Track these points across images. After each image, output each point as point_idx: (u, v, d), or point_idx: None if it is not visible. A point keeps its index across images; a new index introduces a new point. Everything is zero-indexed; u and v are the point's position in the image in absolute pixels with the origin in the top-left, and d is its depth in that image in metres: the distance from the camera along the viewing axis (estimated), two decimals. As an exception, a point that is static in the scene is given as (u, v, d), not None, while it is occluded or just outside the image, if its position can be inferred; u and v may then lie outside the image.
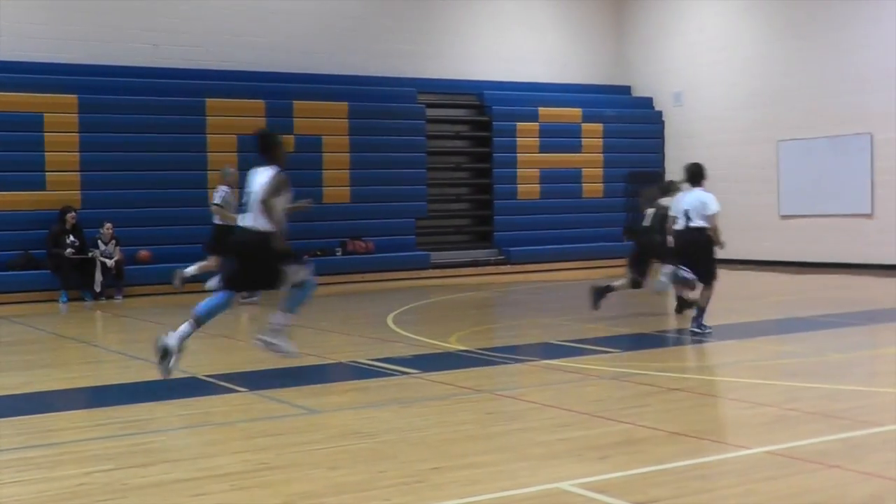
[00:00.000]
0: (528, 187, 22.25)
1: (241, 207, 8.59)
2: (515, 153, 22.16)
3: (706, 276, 11.27)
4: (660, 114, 23.95)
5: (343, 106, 20.22)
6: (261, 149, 8.73)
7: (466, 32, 22.79)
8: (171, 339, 8.07)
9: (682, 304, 12.79)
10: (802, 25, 20.84)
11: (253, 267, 8.39)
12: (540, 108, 22.45)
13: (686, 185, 11.63)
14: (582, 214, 22.65)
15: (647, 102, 24.16)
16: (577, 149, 22.74)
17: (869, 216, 19.60)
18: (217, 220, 15.42)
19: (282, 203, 8.37)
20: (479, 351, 10.18)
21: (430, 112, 21.61)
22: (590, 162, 22.93)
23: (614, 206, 23.05)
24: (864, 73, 19.69)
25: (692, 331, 11.08)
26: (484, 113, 22.32)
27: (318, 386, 8.46)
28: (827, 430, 6.51)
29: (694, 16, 23.18)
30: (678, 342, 11.13)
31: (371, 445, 6.31)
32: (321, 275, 16.89)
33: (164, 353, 8.07)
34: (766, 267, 20.53)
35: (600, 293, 12.83)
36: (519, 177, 22.17)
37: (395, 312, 13.97)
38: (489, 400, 7.77)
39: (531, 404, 7.51)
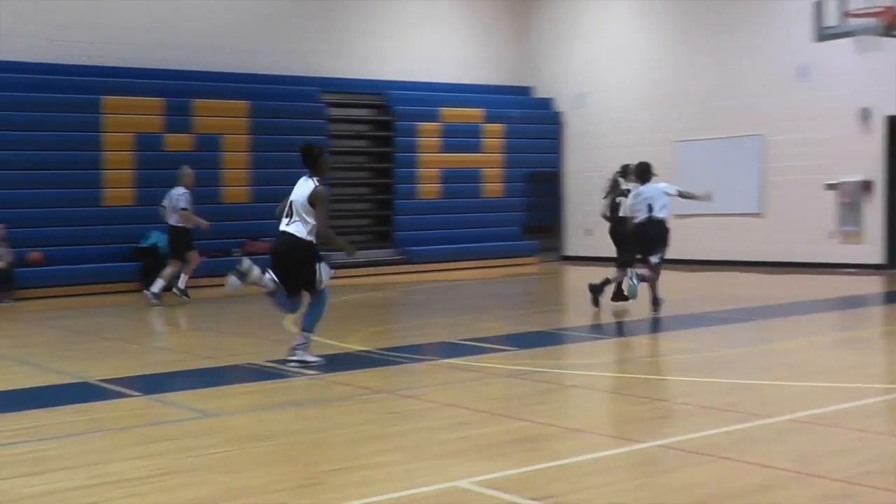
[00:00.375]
0: (429, 187, 22.31)
1: (286, 213, 9.21)
2: (417, 153, 22.20)
3: (657, 259, 12.78)
4: (561, 115, 24.22)
5: (243, 105, 20.01)
6: (305, 161, 9.24)
7: (370, 32, 22.74)
8: (256, 270, 9.04)
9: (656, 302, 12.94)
10: (699, 30, 21.30)
11: (294, 271, 9.14)
12: (442, 109, 22.53)
13: (634, 183, 13.03)
14: (482, 214, 22.78)
15: (548, 103, 24.42)
16: (477, 149, 22.87)
17: (760, 215, 20.12)
18: (174, 222, 15.36)
19: (324, 213, 9.08)
20: (380, 351, 10.19)
21: (333, 111, 21.53)
22: (490, 162, 23.09)
23: (514, 206, 23.26)
24: (757, 76, 20.22)
25: (632, 281, 12.49)
26: (386, 113, 22.31)
27: (216, 389, 8.36)
28: (717, 424, 6.67)
29: (596, 19, 23.50)
30: (575, 339, 11.28)
31: (270, 448, 6.27)
32: (219, 276, 16.63)
33: (243, 275, 9.02)
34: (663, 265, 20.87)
35: (599, 290, 13.33)
36: (420, 176, 22.22)
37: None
38: (389, 400, 7.78)
39: (431, 403, 7.54)
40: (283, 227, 9.13)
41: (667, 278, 18.59)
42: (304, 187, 9.08)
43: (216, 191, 19.16)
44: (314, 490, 5.28)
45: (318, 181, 9.08)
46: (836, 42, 16.39)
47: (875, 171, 18.62)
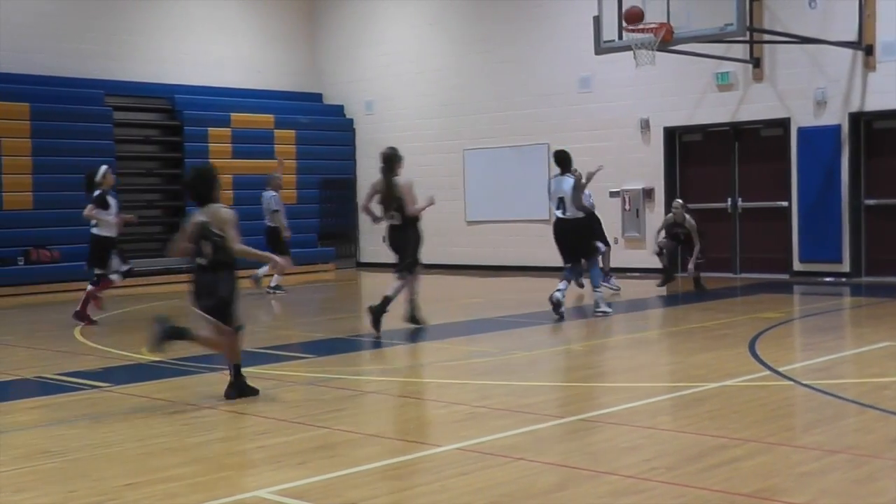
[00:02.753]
0: (222, 193, 21.93)
1: (557, 206, 12.75)
2: (208, 159, 21.79)
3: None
4: (351, 122, 24.30)
5: (25, 107, 19.19)
6: (560, 163, 12.83)
7: (157, 35, 22.20)
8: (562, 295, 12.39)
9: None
10: (487, 41, 21.78)
11: (577, 244, 12.71)
12: (232, 114, 22.22)
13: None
14: (277, 221, 22.54)
15: (339, 110, 24.45)
16: (270, 155, 22.65)
17: (547, 221, 20.70)
18: (270, 223, 17.48)
19: (581, 195, 12.64)
20: (175, 361, 9.95)
21: (119, 115, 20.91)
22: (283, 168, 22.90)
23: (309, 213, 23.17)
24: (542, 87, 20.85)
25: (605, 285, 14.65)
26: (175, 117, 21.83)
27: (1, 404, 7.99)
28: (514, 425, 6.85)
29: (386, 27, 23.67)
30: (374, 345, 11.34)
31: (61, 465, 6.04)
32: (2, 286, 16.00)
33: (557, 305, 12.28)
34: (455, 271, 21.28)
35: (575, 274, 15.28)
36: (212, 183, 21.81)
37: (85, 324, 13.41)
38: (186, 411, 7.62)
39: (229, 413, 7.44)
40: (562, 216, 12.67)
41: (460, 283, 19.05)
42: (565, 183, 12.61)
43: (-5, 197, 18.35)
44: (110, 506, 5.13)
45: (570, 175, 12.57)
46: (616, 55, 17.03)
47: (655, 179, 19.49)
